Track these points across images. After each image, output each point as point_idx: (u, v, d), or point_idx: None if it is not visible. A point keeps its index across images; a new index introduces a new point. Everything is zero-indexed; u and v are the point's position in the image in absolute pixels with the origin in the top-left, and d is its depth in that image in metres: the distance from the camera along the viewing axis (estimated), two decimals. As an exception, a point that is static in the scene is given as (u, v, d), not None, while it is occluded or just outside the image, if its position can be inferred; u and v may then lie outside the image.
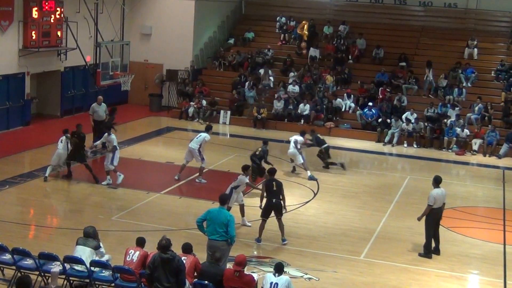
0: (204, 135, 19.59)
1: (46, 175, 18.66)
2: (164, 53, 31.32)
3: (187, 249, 11.38)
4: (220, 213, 12.30)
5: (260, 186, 16.39)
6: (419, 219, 14.95)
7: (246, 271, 12.35)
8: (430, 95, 29.16)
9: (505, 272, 14.41)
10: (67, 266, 11.63)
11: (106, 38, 27.54)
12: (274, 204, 15.03)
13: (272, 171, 15.56)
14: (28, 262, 11.81)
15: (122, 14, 29.29)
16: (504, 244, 16.00)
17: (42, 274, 11.71)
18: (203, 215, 12.52)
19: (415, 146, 26.64)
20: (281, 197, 15.08)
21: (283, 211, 15.28)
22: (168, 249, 10.56)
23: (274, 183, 15.11)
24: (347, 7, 35.30)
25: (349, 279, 13.45)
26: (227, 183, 19.83)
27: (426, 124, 26.98)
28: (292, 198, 18.55)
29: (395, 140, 26.78)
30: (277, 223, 15.15)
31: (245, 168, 15.98)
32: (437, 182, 14.84)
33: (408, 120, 26.84)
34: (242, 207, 16.06)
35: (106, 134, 19.03)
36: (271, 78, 30.63)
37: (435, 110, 27.73)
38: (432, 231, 14.82)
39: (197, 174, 19.72)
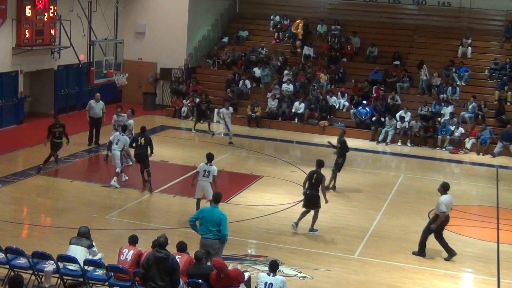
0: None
1: None
2: (158, 52, 31.28)
3: (182, 248, 11.37)
4: (213, 211, 12.28)
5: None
6: (433, 228, 14.71)
7: (241, 269, 12.36)
8: (424, 94, 29.19)
9: (498, 270, 14.46)
10: (61, 265, 11.59)
11: (99, 37, 27.48)
12: (307, 196, 15.51)
13: (320, 163, 15.80)
14: (22, 261, 11.77)
15: (115, 12, 29.21)
16: (498, 242, 16.04)
17: (36, 273, 11.68)
18: (195, 214, 12.53)
19: (409, 144, 26.68)
20: (319, 190, 15.53)
21: (325, 202, 15.69)
22: (164, 247, 10.54)
23: (315, 175, 15.45)
24: (341, 5, 35.30)
25: (343, 278, 13.46)
26: (223, 181, 19.92)
27: (420, 122, 27.01)
28: (286, 196, 18.58)
29: (389, 138, 26.81)
30: (271, 222, 15.17)
31: (209, 157, 15.78)
32: (445, 188, 14.76)
33: (402, 118, 26.87)
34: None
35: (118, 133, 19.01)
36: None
37: (429, 108, 27.77)
38: (428, 234, 14.80)
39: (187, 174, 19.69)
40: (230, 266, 12.16)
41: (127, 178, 18.90)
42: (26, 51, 25.02)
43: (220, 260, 11.10)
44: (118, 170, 18.49)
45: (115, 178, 18.42)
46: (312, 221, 15.67)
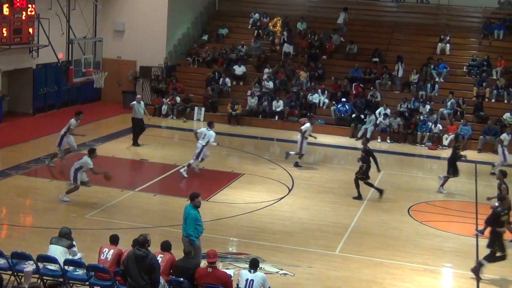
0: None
1: None
2: (137, 50, 31.14)
3: (165, 247, 11.37)
4: (186, 208, 12.64)
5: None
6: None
7: (222, 267, 12.38)
8: (403, 91, 29.35)
9: (477, 265, 14.57)
10: (41, 265, 11.52)
11: (78, 35, 27.34)
12: None
13: None
14: (1, 261, 11.67)
15: (94, 10, 29.08)
16: (477, 237, 16.17)
17: (15, 273, 11.59)
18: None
19: (389, 141, 26.83)
20: None
21: None
22: (143, 246, 10.51)
23: None
24: (321, 3, 35.39)
25: (324, 274, 13.51)
26: (203, 180, 19.91)
27: (397, 119, 27.14)
28: (267, 194, 18.62)
29: (368, 135, 26.92)
30: (252, 220, 15.24)
31: (91, 152, 16.76)
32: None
33: (385, 115, 26.99)
34: (82, 184, 16.88)
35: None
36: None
37: (408, 105, 27.95)
38: None
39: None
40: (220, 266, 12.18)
41: None
42: (4, 50, 24.79)
43: (213, 250, 11.37)
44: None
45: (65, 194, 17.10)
46: None
